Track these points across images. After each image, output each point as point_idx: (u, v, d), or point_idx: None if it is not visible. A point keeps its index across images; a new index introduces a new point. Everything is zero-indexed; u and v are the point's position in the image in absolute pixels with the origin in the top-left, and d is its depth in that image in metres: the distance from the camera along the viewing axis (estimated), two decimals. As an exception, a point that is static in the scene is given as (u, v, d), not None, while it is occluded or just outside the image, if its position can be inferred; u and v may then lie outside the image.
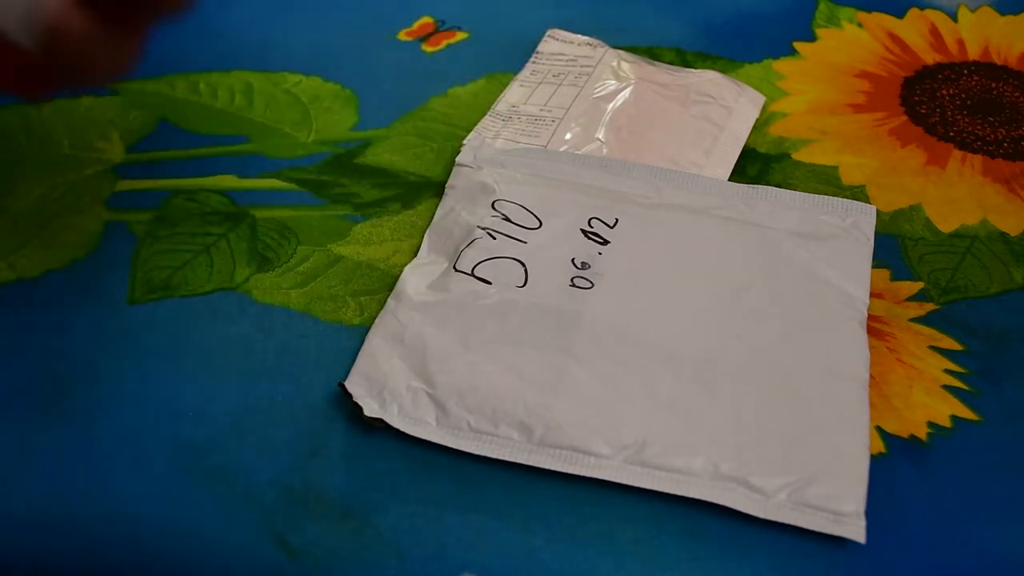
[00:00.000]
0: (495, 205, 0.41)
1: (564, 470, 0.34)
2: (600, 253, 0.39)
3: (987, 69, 0.50)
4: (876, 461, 0.35)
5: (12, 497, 0.33)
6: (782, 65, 0.50)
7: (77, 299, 0.39)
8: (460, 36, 0.52)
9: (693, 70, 0.48)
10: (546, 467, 0.34)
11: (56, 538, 0.32)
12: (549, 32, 0.51)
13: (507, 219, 0.40)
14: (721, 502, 0.33)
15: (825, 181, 0.44)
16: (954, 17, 0.53)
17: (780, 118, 0.47)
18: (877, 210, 0.42)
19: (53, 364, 0.37)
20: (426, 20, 0.53)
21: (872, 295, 0.39)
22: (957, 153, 0.46)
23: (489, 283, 0.38)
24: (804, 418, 0.34)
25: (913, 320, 0.39)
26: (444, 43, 0.51)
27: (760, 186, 0.42)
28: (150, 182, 0.44)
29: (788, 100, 0.48)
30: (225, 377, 0.37)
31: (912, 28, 0.52)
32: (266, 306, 0.39)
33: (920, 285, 0.41)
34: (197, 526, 0.33)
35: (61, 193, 0.44)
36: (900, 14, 0.53)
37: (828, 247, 0.40)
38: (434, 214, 0.42)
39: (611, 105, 0.45)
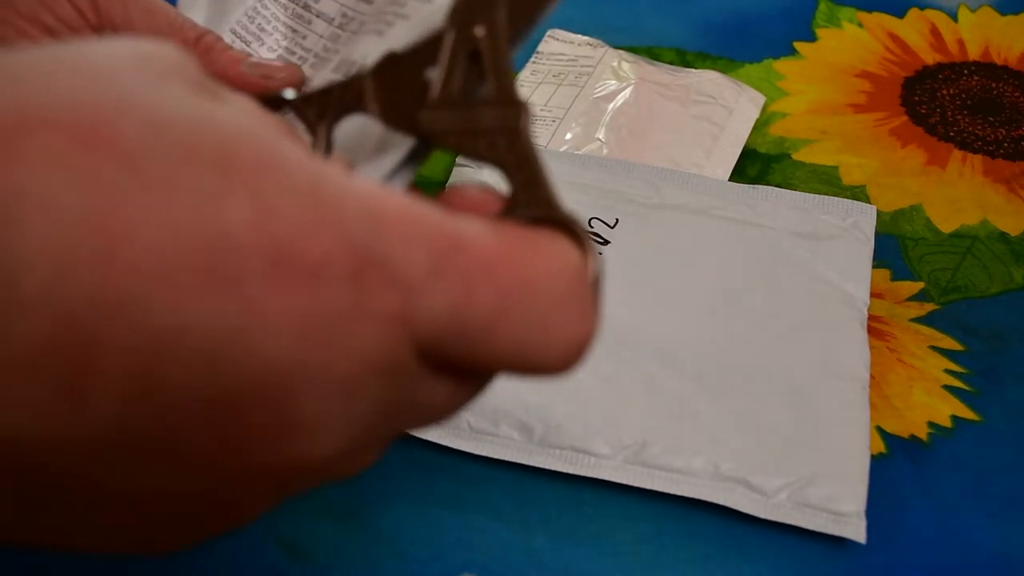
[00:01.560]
0: (495, 205, 0.41)
1: (564, 470, 0.34)
2: (601, 253, 0.39)
3: (987, 69, 0.50)
4: (876, 461, 0.35)
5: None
6: (782, 65, 0.50)
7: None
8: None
9: (693, 70, 0.48)
10: (546, 467, 0.34)
11: (56, 538, 0.32)
12: (549, 32, 0.51)
13: (507, 219, 0.40)
14: (721, 502, 0.33)
15: (825, 181, 0.44)
16: (954, 17, 0.53)
17: (780, 118, 0.47)
18: (877, 210, 0.42)
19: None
20: (426, 20, 0.53)
21: (872, 295, 0.39)
22: (957, 153, 0.46)
23: (489, 283, 0.38)
24: (804, 418, 0.34)
25: (913, 320, 0.39)
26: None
27: (760, 186, 0.42)
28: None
29: (788, 100, 0.48)
30: (225, 377, 0.37)
31: (912, 28, 0.52)
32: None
33: (920, 285, 0.41)
34: (197, 526, 0.33)
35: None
36: (900, 14, 0.53)
37: (828, 247, 0.40)
38: (434, 214, 0.42)
39: (611, 105, 0.45)
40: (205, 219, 0.18)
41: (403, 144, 0.24)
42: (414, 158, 0.24)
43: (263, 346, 0.18)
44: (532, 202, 0.22)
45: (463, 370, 0.21)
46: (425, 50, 0.23)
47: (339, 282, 0.19)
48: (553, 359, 0.21)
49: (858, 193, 0.44)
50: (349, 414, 0.19)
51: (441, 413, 0.22)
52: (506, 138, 0.22)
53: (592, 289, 0.21)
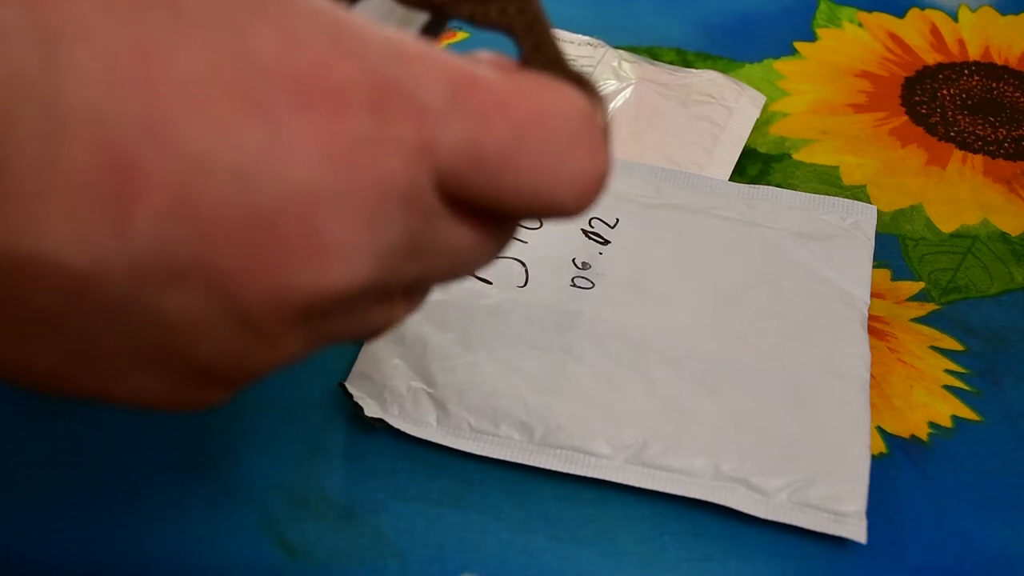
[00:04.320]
0: (495, 205, 0.41)
1: (565, 470, 0.33)
2: (601, 253, 0.39)
3: (988, 69, 0.50)
4: (877, 461, 0.35)
5: (13, 493, 0.33)
6: (783, 65, 0.50)
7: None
8: (460, 36, 0.52)
9: (694, 70, 0.48)
10: (547, 467, 0.34)
11: (55, 536, 0.32)
12: (549, 32, 0.50)
13: (507, 219, 0.40)
14: (722, 502, 0.33)
15: (826, 181, 0.44)
16: (955, 17, 0.53)
17: (781, 118, 0.47)
18: (878, 210, 0.42)
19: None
20: (426, 20, 0.53)
21: (873, 295, 0.39)
22: (958, 153, 0.46)
23: (490, 283, 0.38)
24: (805, 418, 0.34)
25: (914, 320, 0.39)
26: (444, 43, 0.51)
27: (761, 186, 0.42)
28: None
29: (789, 100, 0.48)
30: (225, 377, 0.37)
31: (913, 28, 0.52)
32: (266, 306, 0.39)
33: (921, 285, 0.41)
34: (197, 526, 0.33)
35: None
36: (901, 14, 0.53)
37: (829, 247, 0.40)
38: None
39: (612, 105, 0.45)
40: (235, 49, 0.19)
41: (419, 21, 0.25)
42: (430, 32, 0.25)
43: (291, 167, 0.19)
44: (543, 63, 0.23)
45: (483, 213, 0.22)
46: None
47: (361, 108, 0.20)
48: (568, 193, 0.22)
49: (858, 193, 0.44)
50: (375, 242, 0.20)
51: (464, 263, 0.23)
52: (516, 4, 0.23)
53: (602, 132, 0.22)
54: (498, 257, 0.24)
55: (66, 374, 0.21)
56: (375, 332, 0.23)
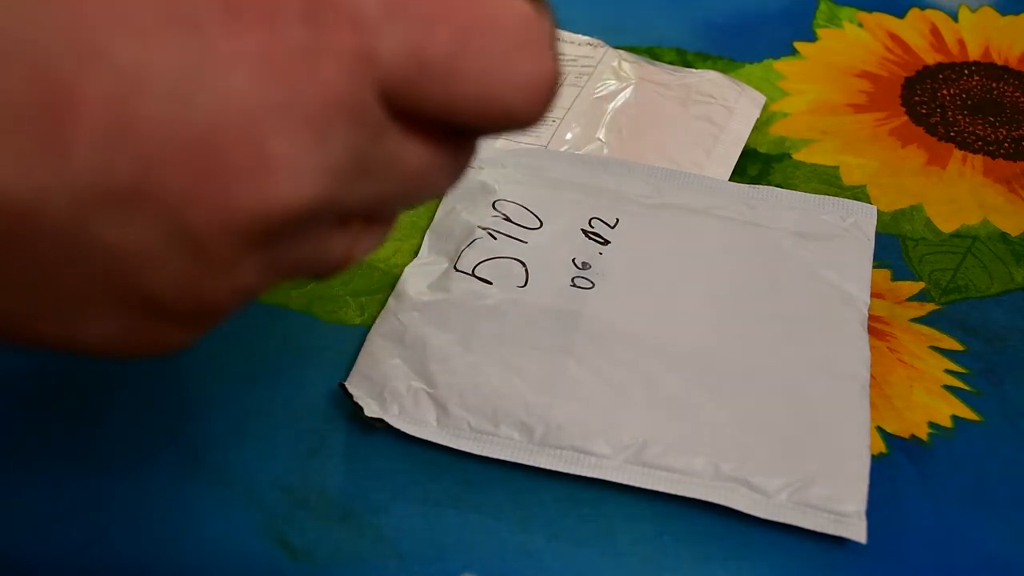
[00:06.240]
0: (496, 205, 0.41)
1: (564, 470, 0.34)
2: (601, 253, 0.39)
3: (988, 69, 0.50)
4: (877, 461, 0.35)
5: (15, 493, 0.33)
6: (783, 65, 0.50)
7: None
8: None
9: (694, 70, 0.48)
10: (546, 467, 0.34)
11: (55, 536, 0.32)
12: (549, 32, 0.50)
13: (508, 219, 0.40)
14: (722, 502, 0.33)
15: (826, 181, 0.44)
16: (955, 17, 0.53)
17: (781, 118, 0.47)
18: (878, 210, 0.42)
19: (52, 364, 0.37)
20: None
21: (873, 295, 0.39)
22: (958, 153, 0.46)
23: (490, 283, 0.38)
24: (805, 418, 0.34)
25: (914, 320, 0.39)
26: None
27: (761, 186, 0.42)
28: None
29: (789, 100, 0.48)
30: (225, 377, 0.37)
31: (913, 28, 0.52)
32: (266, 306, 0.39)
33: (921, 285, 0.41)
34: (197, 526, 0.33)
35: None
36: (901, 14, 0.53)
37: (829, 247, 0.40)
38: (434, 214, 0.42)
39: (612, 105, 0.45)
40: None
41: None
42: None
43: (227, 83, 0.19)
44: None
45: (435, 127, 0.22)
46: None
47: (294, 18, 0.19)
48: (516, 98, 0.22)
49: (858, 193, 0.44)
50: (320, 158, 0.20)
51: (420, 183, 0.23)
52: None
53: (548, 38, 0.22)
54: (459, 180, 0.24)
55: (21, 317, 0.20)
56: (339, 264, 0.23)
